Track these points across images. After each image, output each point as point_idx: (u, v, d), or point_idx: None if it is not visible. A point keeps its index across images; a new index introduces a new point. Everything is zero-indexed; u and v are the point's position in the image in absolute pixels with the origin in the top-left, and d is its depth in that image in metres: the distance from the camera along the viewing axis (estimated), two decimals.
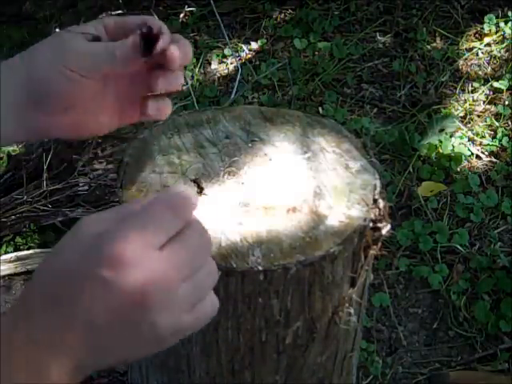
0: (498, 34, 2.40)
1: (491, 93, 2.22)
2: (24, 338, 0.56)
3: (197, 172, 0.75)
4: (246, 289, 0.68)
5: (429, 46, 2.39)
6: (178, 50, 0.72)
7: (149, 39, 0.71)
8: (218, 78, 2.38)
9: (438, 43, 2.41)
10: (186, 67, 2.35)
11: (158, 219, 0.58)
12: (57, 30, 2.58)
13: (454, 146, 2.03)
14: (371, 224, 0.70)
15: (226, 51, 2.43)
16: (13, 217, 1.86)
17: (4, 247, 1.87)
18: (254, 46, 2.47)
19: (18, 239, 1.89)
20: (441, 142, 2.02)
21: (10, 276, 1.84)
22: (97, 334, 0.56)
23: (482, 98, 2.21)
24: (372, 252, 0.71)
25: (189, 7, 2.59)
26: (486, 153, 2.05)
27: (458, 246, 1.81)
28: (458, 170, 1.98)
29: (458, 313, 1.70)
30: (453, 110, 2.16)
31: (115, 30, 0.75)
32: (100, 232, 0.58)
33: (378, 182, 0.74)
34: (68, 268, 0.57)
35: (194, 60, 2.40)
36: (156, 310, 0.56)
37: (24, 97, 0.72)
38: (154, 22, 0.75)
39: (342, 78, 2.31)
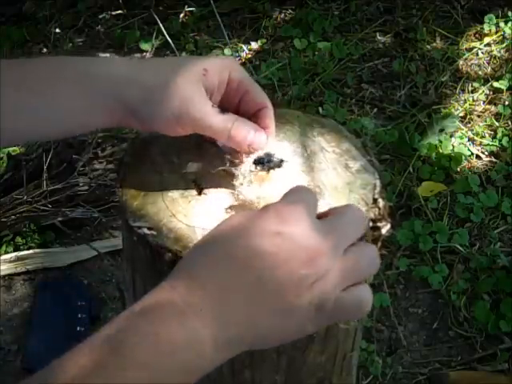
0: (497, 34, 2.40)
1: (491, 93, 2.22)
2: (182, 302, 0.55)
3: (197, 172, 0.75)
4: None
5: (429, 46, 2.39)
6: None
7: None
8: None
9: (438, 43, 2.41)
10: None
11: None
12: (57, 30, 2.58)
13: (454, 146, 2.03)
14: (371, 223, 0.70)
15: (226, 51, 2.43)
16: (13, 217, 1.86)
17: (4, 247, 1.87)
18: (254, 46, 2.47)
19: (18, 239, 1.89)
20: (441, 141, 2.02)
21: (10, 276, 1.84)
22: (257, 298, 0.56)
23: (482, 98, 2.21)
24: None
25: (189, 7, 2.59)
26: (486, 153, 2.05)
27: (458, 246, 1.81)
28: (458, 169, 1.98)
29: (457, 313, 1.70)
30: (453, 110, 2.16)
31: (237, 90, 0.73)
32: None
33: (377, 182, 0.74)
34: (241, 226, 0.59)
35: None
36: (320, 269, 0.57)
37: (123, 103, 0.70)
38: (269, 117, 0.74)
39: (342, 77, 2.31)
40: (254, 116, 0.74)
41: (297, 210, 0.59)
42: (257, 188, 0.72)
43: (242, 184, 0.72)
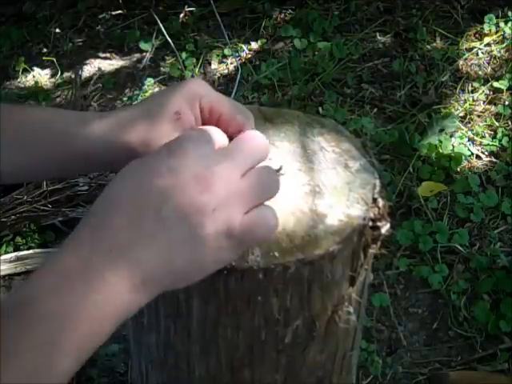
0: (497, 34, 2.40)
1: (491, 93, 2.22)
2: (88, 251, 0.55)
3: None
4: (245, 287, 0.68)
5: (429, 46, 2.39)
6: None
7: None
8: (218, 77, 2.38)
9: (438, 43, 2.41)
10: (185, 67, 2.36)
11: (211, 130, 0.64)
12: (57, 30, 2.59)
13: (454, 146, 2.03)
14: (371, 223, 0.70)
15: (226, 51, 2.43)
16: (13, 217, 1.86)
17: (4, 247, 1.87)
18: (254, 46, 2.47)
19: (18, 239, 1.89)
20: (441, 141, 2.02)
21: (10, 276, 1.84)
22: (162, 233, 0.56)
23: (482, 98, 2.21)
24: (371, 251, 0.71)
25: (189, 7, 2.59)
26: (486, 153, 2.05)
27: (458, 246, 1.81)
28: (458, 170, 1.98)
29: (458, 313, 1.70)
30: (453, 110, 2.16)
31: (209, 117, 0.72)
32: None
33: (377, 181, 0.74)
34: (135, 169, 0.59)
35: (194, 60, 2.41)
36: (218, 194, 0.57)
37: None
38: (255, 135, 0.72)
39: (342, 77, 2.31)
40: (233, 135, 0.72)
41: (188, 141, 0.60)
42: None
43: None
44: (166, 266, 0.57)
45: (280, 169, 0.74)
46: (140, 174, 0.59)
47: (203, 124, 0.73)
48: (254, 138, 0.64)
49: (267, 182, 0.62)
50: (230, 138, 0.73)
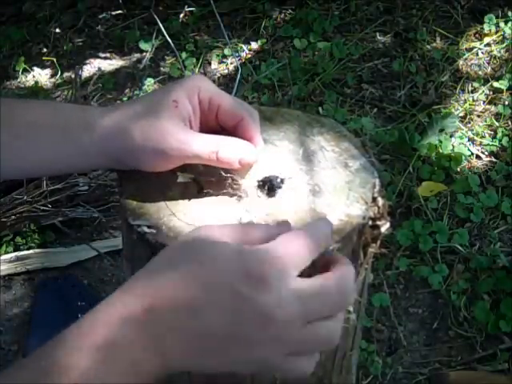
0: (498, 34, 2.40)
1: (491, 93, 2.22)
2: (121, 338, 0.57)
3: (197, 170, 0.75)
4: None
5: (429, 46, 2.39)
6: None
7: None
8: (218, 77, 2.38)
9: (438, 43, 2.41)
10: (185, 67, 2.36)
11: (302, 251, 0.59)
12: (57, 30, 2.59)
13: (454, 146, 2.03)
14: (370, 222, 0.70)
15: (226, 51, 2.43)
16: (13, 217, 1.86)
17: (4, 247, 1.87)
18: (254, 46, 2.47)
19: (18, 239, 1.89)
20: (441, 142, 2.02)
21: (10, 276, 1.84)
22: (205, 342, 0.57)
23: (482, 98, 2.21)
24: (371, 250, 0.71)
25: (189, 7, 2.59)
26: (486, 153, 2.05)
27: (458, 246, 1.81)
28: (458, 169, 1.98)
29: (458, 313, 1.70)
30: (453, 110, 2.16)
31: (209, 109, 0.72)
32: (241, 249, 0.59)
33: (377, 181, 0.74)
34: (205, 276, 0.57)
35: (194, 60, 2.41)
36: (273, 337, 0.57)
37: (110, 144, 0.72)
38: (253, 127, 0.72)
39: (342, 78, 2.31)
40: (235, 128, 0.73)
41: (270, 274, 0.57)
42: (264, 204, 0.72)
43: (249, 202, 0.72)
44: (197, 366, 0.59)
45: (284, 179, 0.74)
46: (205, 272, 0.57)
47: (202, 116, 0.73)
48: (344, 285, 0.61)
49: (326, 339, 0.61)
50: (230, 131, 0.73)
